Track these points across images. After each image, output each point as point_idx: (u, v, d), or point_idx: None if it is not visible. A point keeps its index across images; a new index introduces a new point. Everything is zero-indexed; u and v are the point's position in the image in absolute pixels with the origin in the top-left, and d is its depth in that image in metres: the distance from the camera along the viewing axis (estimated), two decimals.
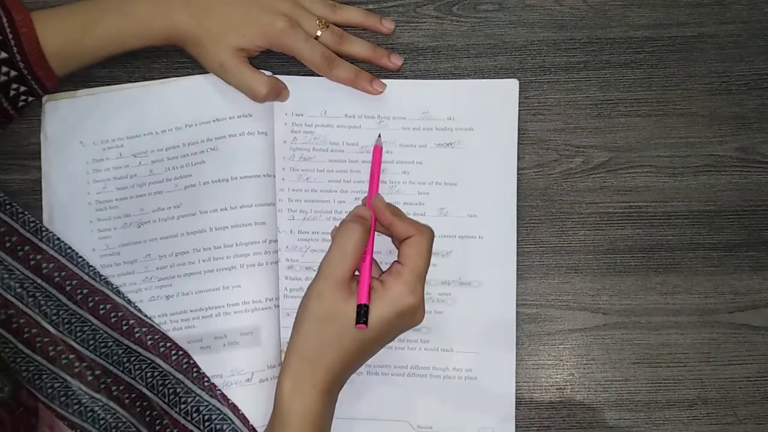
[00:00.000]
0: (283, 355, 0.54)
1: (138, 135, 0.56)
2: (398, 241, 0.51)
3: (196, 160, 0.55)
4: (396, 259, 0.50)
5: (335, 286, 0.47)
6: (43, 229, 0.54)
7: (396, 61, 0.57)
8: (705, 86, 0.57)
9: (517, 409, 0.55)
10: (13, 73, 0.52)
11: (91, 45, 0.53)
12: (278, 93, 0.55)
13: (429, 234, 0.50)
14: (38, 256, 0.54)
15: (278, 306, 0.55)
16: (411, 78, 0.57)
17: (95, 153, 0.56)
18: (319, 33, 0.54)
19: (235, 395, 0.53)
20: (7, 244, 0.53)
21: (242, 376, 0.53)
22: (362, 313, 0.47)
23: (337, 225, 0.52)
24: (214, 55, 0.53)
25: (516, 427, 0.54)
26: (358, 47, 0.56)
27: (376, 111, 0.56)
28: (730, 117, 0.57)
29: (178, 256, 0.55)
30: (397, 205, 0.55)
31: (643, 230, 0.56)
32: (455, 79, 0.57)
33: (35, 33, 0.52)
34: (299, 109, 0.57)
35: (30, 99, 0.55)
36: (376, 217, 0.51)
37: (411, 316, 0.49)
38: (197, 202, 0.55)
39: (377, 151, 0.54)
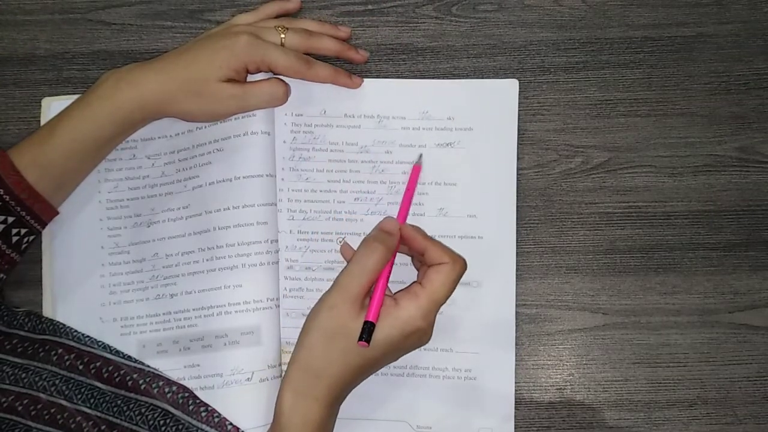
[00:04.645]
0: (283, 355, 0.54)
1: (152, 138, 0.56)
2: (425, 265, 0.50)
3: (204, 161, 0.55)
4: (416, 279, 0.50)
5: (349, 301, 0.47)
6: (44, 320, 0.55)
7: (363, 53, 0.57)
8: (704, 86, 0.57)
9: (516, 409, 0.55)
10: (10, 218, 0.51)
11: (60, 142, 0.51)
12: (289, 89, 0.56)
13: (462, 266, 0.49)
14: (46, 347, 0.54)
15: (279, 306, 0.55)
16: (410, 78, 0.58)
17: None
18: (282, 36, 0.54)
19: (235, 394, 0.53)
20: (19, 348, 0.54)
21: (242, 375, 0.53)
22: (366, 331, 0.47)
23: (341, 243, 0.54)
24: (218, 93, 0.52)
25: (516, 427, 0.54)
26: (327, 42, 0.56)
27: (376, 111, 0.57)
28: (730, 117, 0.57)
29: (184, 256, 0.55)
30: (396, 205, 0.55)
31: (642, 230, 0.56)
32: (455, 79, 0.57)
33: (13, 165, 0.51)
34: (299, 109, 0.57)
35: (32, 238, 0.54)
36: (409, 245, 0.51)
37: (418, 339, 0.49)
38: (204, 203, 0.55)
39: (415, 171, 0.54)
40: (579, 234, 0.57)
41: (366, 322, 0.47)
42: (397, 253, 0.51)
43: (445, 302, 0.48)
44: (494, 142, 0.56)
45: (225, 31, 0.54)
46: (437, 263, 0.49)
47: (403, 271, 0.53)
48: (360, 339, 0.46)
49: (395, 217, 0.52)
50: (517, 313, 0.55)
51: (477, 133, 0.56)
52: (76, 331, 0.55)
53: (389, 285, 0.50)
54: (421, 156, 0.56)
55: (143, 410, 0.52)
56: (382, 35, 0.59)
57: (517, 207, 0.56)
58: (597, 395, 0.56)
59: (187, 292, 0.55)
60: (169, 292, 0.55)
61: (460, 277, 0.49)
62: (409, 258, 0.54)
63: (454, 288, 0.49)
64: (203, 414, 0.52)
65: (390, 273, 0.50)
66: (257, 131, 0.55)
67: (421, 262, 0.51)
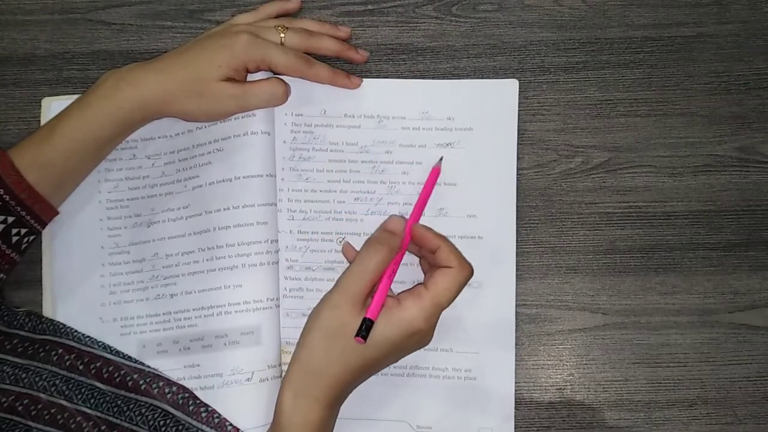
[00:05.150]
0: (283, 355, 0.54)
1: (152, 138, 0.57)
2: (432, 267, 0.50)
3: (204, 161, 0.55)
4: (422, 281, 0.50)
5: (351, 301, 0.47)
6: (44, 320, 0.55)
7: (363, 53, 0.57)
8: (704, 86, 0.57)
9: (516, 409, 0.55)
10: (10, 218, 0.51)
11: (60, 142, 0.51)
12: (289, 89, 0.56)
13: (468, 273, 0.49)
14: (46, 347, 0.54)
15: (279, 306, 0.55)
16: (410, 78, 0.58)
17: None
18: (282, 36, 0.54)
19: (235, 394, 0.53)
20: (19, 348, 0.53)
21: (242, 375, 0.53)
22: (364, 327, 0.47)
23: (342, 243, 0.54)
24: (218, 93, 0.52)
25: (516, 427, 0.54)
26: (327, 42, 0.56)
27: (376, 111, 0.57)
28: (730, 117, 0.57)
29: (184, 256, 0.55)
30: (396, 206, 0.56)
31: (642, 230, 0.56)
32: (455, 79, 0.57)
33: (13, 165, 0.51)
34: (299, 109, 0.57)
35: (32, 238, 0.54)
36: (421, 244, 0.51)
37: (419, 340, 0.49)
38: (204, 203, 0.55)
39: (434, 173, 0.54)
40: (579, 234, 0.57)
41: (365, 319, 0.47)
42: (405, 253, 0.51)
43: (447, 306, 0.49)
44: (494, 142, 0.56)
45: (225, 31, 0.54)
46: (444, 266, 0.49)
47: (408, 271, 0.53)
48: (357, 335, 0.46)
49: (403, 216, 0.52)
50: (517, 313, 0.55)
51: (477, 133, 0.56)
52: (76, 331, 0.55)
53: (393, 287, 0.50)
54: (441, 159, 0.55)
55: (143, 410, 0.52)
56: (382, 35, 0.59)
57: (517, 207, 0.56)
58: (597, 395, 0.56)
59: (187, 292, 0.55)
60: (169, 292, 0.55)
61: (465, 283, 0.49)
62: (416, 259, 0.54)
63: (458, 293, 0.49)
64: (203, 414, 0.52)
65: (395, 272, 0.50)
66: (257, 131, 0.55)
67: (429, 262, 0.51)
